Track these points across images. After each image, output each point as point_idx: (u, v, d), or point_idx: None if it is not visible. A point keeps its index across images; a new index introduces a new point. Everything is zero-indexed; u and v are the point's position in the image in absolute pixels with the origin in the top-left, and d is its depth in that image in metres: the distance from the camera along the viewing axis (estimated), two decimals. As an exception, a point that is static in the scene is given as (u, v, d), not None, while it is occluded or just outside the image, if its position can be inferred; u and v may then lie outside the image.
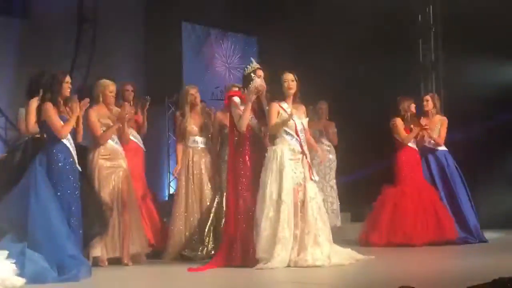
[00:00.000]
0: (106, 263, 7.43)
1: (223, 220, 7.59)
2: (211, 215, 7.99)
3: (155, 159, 11.56)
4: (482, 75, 11.02)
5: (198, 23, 13.22)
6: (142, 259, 7.73)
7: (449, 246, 8.53)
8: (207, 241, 7.95)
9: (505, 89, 10.98)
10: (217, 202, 8.02)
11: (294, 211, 6.91)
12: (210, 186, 8.18)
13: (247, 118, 7.15)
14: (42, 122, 6.65)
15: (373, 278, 6.24)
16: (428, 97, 9.40)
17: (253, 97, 7.13)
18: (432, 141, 9.19)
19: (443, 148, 9.24)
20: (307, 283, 6.06)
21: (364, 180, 10.76)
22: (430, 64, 12.14)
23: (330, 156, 10.65)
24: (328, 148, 10.68)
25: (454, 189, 9.07)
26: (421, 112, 9.29)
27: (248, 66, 7.34)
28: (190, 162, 8.21)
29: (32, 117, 6.93)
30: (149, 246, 7.94)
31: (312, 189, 7.09)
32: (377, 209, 9.07)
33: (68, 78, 6.77)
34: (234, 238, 7.01)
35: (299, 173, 7.02)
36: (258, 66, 7.31)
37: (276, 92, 7.22)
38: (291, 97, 7.19)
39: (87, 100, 6.91)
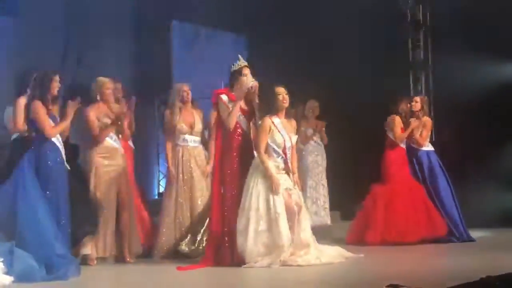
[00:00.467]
0: (95, 262, 7.41)
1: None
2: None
3: (144, 158, 11.53)
4: (472, 74, 11.05)
5: (188, 21, 13.21)
6: (136, 257, 7.72)
7: (437, 245, 8.55)
8: (199, 239, 7.94)
9: (495, 88, 11.01)
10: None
11: (291, 216, 6.90)
12: (201, 185, 8.17)
13: (236, 114, 7.13)
14: (30, 120, 6.63)
15: (361, 276, 6.25)
16: (417, 98, 9.43)
17: (243, 94, 7.12)
18: (415, 142, 9.22)
19: (427, 148, 9.26)
20: (296, 282, 6.07)
21: (353, 178, 10.77)
22: (419, 63, 12.16)
23: (322, 155, 10.73)
24: (319, 147, 10.74)
25: (435, 188, 9.08)
26: (409, 112, 9.33)
27: (235, 63, 7.32)
28: (180, 161, 8.19)
29: (21, 116, 6.91)
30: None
31: (300, 195, 7.16)
32: (368, 207, 9.09)
33: (57, 77, 6.76)
34: (221, 237, 7.00)
35: (283, 181, 7.01)
36: (245, 63, 7.30)
37: (268, 105, 7.20)
38: (283, 111, 7.18)
39: (77, 100, 6.89)
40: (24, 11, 10.43)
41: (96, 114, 7.62)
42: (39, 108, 6.58)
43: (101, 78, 7.81)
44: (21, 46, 10.28)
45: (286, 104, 7.15)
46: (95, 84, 7.77)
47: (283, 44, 11.85)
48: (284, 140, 7.05)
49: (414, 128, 9.11)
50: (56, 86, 6.73)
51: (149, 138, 11.24)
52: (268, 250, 6.73)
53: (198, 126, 8.29)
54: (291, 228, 6.86)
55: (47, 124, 6.59)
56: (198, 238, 7.94)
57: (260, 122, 7.12)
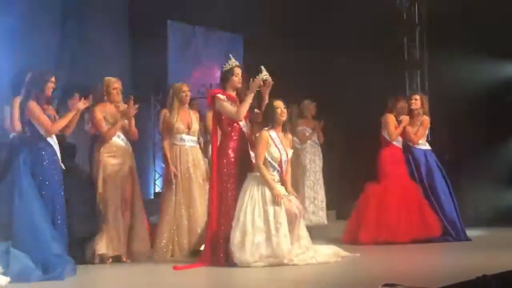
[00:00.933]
0: (111, 260, 7.49)
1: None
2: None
3: (140, 157, 11.53)
4: (467, 73, 11.08)
5: (184, 21, 13.21)
6: (144, 257, 7.74)
7: (433, 244, 8.55)
8: (197, 238, 7.94)
9: (490, 86, 11.03)
10: None
11: (292, 219, 6.92)
12: (199, 184, 8.18)
13: (246, 107, 7.12)
14: (25, 120, 6.63)
15: (357, 275, 6.26)
16: (417, 96, 9.39)
17: (256, 88, 7.11)
18: (409, 139, 9.21)
19: (424, 147, 9.25)
20: (292, 281, 6.07)
21: (349, 177, 10.79)
22: (415, 62, 12.18)
23: (320, 154, 10.76)
24: (317, 146, 10.76)
25: (432, 187, 9.08)
26: (408, 110, 9.33)
27: (226, 63, 7.32)
28: (178, 160, 8.20)
29: (17, 116, 6.91)
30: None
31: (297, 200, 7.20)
32: (361, 206, 9.09)
33: (52, 78, 6.76)
34: (217, 237, 6.99)
35: (280, 188, 7.03)
36: (236, 63, 7.30)
37: (265, 119, 7.19)
38: (281, 125, 7.19)
39: (89, 98, 6.91)
40: (21, 11, 10.41)
41: (102, 113, 7.63)
42: (34, 108, 6.58)
43: (108, 78, 7.82)
44: (17, 46, 10.27)
45: (284, 118, 7.16)
46: (101, 83, 7.77)
47: (280, 43, 11.87)
48: (281, 154, 7.07)
49: (406, 125, 9.09)
50: (50, 86, 6.74)
51: (145, 137, 11.24)
52: (267, 261, 6.74)
53: (195, 126, 8.29)
54: (291, 231, 6.88)
55: (46, 121, 6.60)
56: (197, 238, 7.94)
57: (257, 136, 7.12)
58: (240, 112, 7.12)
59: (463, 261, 7.08)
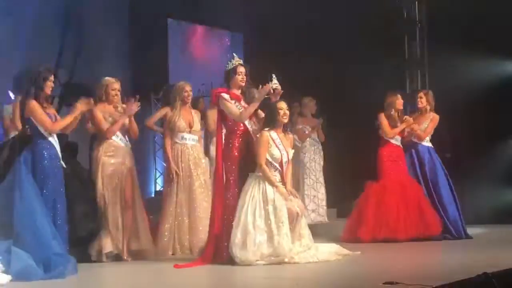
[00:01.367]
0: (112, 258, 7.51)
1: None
2: None
3: (141, 156, 11.53)
4: (468, 71, 11.07)
5: (184, 19, 13.20)
6: (147, 255, 7.74)
7: (434, 242, 8.55)
8: (198, 237, 7.95)
9: (491, 84, 11.03)
10: None
11: (293, 218, 6.92)
12: (200, 182, 8.18)
13: (251, 112, 7.13)
14: (26, 118, 6.64)
15: (358, 273, 6.27)
16: (422, 94, 9.35)
17: (263, 96, 7.09)
18: (416, 135, 9.19)
19: (428, 143, 9.25)
20: (293, 279, 6.08)
21: (350, 176, 10.79)
22: (416, 60, 12.18)
23: (320, 152, 10.75)
24: (317, 144, 10.76)
25: (435, 184, 9.08)
26: (414, 108, 9.32)
27: (230, 61, 7.32)
28: (180, 159, 8.20)
29: (19, 114, 6.91)
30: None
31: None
32: (360, 205, 9.10)
33: (52, 77, 6.76)
34: (220, 235, 7.00)
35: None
36: (240, 62, 7.28)
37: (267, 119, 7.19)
38: (282, 126, 7.19)
39: (90, 100, 6.91)
40: (21, 10, 10.41)
41: (102, 113, 7.64)
42: (35, 106, 6.58)
43: (107, 79, 7.79)
44: (17, 44, 10.27)
45: (286, 120, 7.17)
46: (100, 83, 7.76)
47: (280, 42, 11.87)
48: (282, 155, 7.08)
49: (409, 125, 9.07)
50: (50, 85, 6.73)
51: (145, 136, 11.25)
52: (268, 259, 6.75)
53: (197, 124, 8.32)
54: (292, 230, 6.89)
55: (46, 120, 6.61)
56: (198, 236, 7.95)
57: (258, 136, 7.11)
58: (243, 115, 7.11)
59: (464, 259, 7.09)
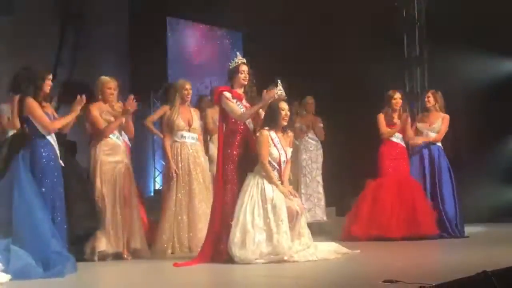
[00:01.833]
0: (111, 257, 7.51)
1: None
2: None
3: (140, 155, 11.54)
4: (467, 69, 11.09)
5: (183, 18, 13.21)
6: (145, 253, 7.75)
7: (433, 241, 8.56)
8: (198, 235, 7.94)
9: (490, 83, 11.04)
10: None
11: (292, 216, 6.92)
12: (199, 180, 8.18)
13: (252, 114, 7.14)
14: (24, 117, 6.64)
15: (357, 271, 6.26)
16: (430, 93, 9.37)
17: (268, 102, 7.08)
18: (431, 137, 9.19)
19: (439, 143, 9.26)
20: (292, 277, 6.07)
21: (350, 174, 10.79)
22: (415, 58, 12.18)
23: (318, 151, 10.73)
24: (315, 143, 10.74)
25: (439, 184, 9.08)
26: (422, 108, 9.33)
27: (233, 60, 7.31)
28: (179, 157, 8.20)
29: (17, 113, 6.91)
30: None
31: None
32: (358, 202, 9.12)
33: (50, 76, 6.76)
34: (219, 234, 6.99)
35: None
36: (243, 60, 7.28)
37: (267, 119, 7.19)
38: (281, 127, 7.19)
39: (83, 97, 6.90)
40: (19, 9, 10.42)
41: (98, 111, 7.63)
42: (34, 105, 6.58)
43: (103, 77, 7.79)
44: (16, 44, 10.28)
45: (286, 123, 7.17)
46: (97, 82, 7.76)
47: (280, 41, 11.87)
48: (280, 154, 7.08)
49: (407, 124, 9.08)
50: (48, 84, 6.73)
51: (144, 135, 11.25)
52: (267, 258, 6.75)
53: (196, 123, 8.32)
54: (292, 229, 6.90)
55: (45, 119, 6.60)
56: (197, 235, 7.95)
57: (258, 135, 7.10)
58: (243, 116, 7.12)
59: (463, 258, 7.08)
